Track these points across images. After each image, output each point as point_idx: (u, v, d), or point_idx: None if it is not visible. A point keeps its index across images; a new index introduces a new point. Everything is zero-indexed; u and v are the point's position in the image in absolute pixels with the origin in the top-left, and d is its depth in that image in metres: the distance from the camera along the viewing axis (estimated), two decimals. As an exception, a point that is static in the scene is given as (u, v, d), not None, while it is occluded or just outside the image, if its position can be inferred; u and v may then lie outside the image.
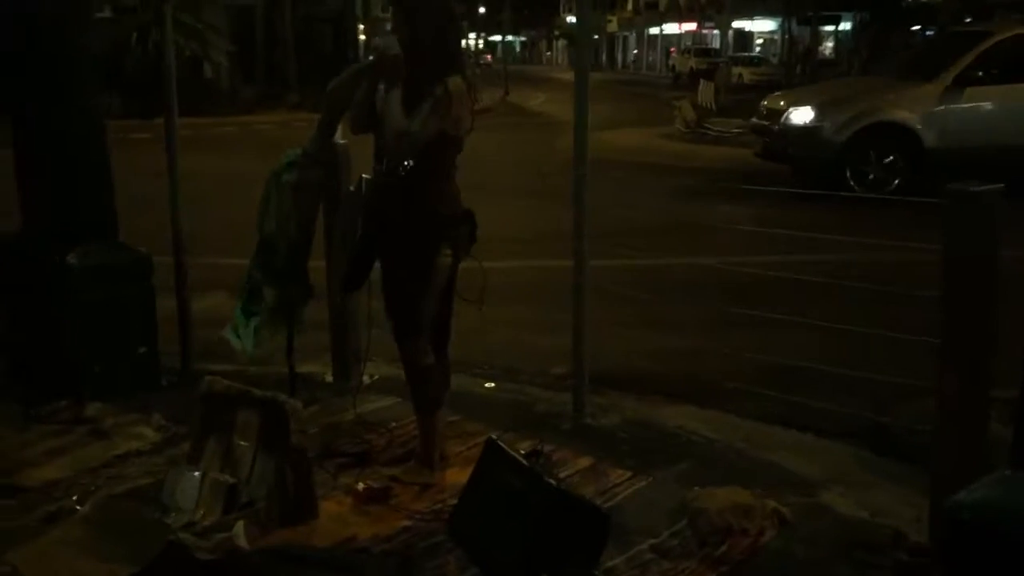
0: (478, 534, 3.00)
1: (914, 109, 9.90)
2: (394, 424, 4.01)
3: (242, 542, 2.97)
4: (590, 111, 3.96)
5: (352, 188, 3.40)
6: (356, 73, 3.35)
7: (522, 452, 3.11)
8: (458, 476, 3.39)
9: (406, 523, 3.22)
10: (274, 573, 2.78)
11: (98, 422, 3.94)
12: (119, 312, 4.17)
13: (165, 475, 3.33)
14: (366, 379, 4.49)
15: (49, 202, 4.17)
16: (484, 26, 49.81)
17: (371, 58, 3.34)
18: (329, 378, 4.60)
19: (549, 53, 79.27)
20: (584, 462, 3.70)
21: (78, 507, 3.20)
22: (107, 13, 22.58)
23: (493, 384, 4.65)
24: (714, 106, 20.74)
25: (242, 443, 3.25)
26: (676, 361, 4.83)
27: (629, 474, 3.59)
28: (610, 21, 67.18)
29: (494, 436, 3.27)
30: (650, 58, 63.58)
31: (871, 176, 9.90)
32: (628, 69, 64.99)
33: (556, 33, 72.71)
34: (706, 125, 17.57)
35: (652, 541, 3.11)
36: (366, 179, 3.39)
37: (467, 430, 3.97)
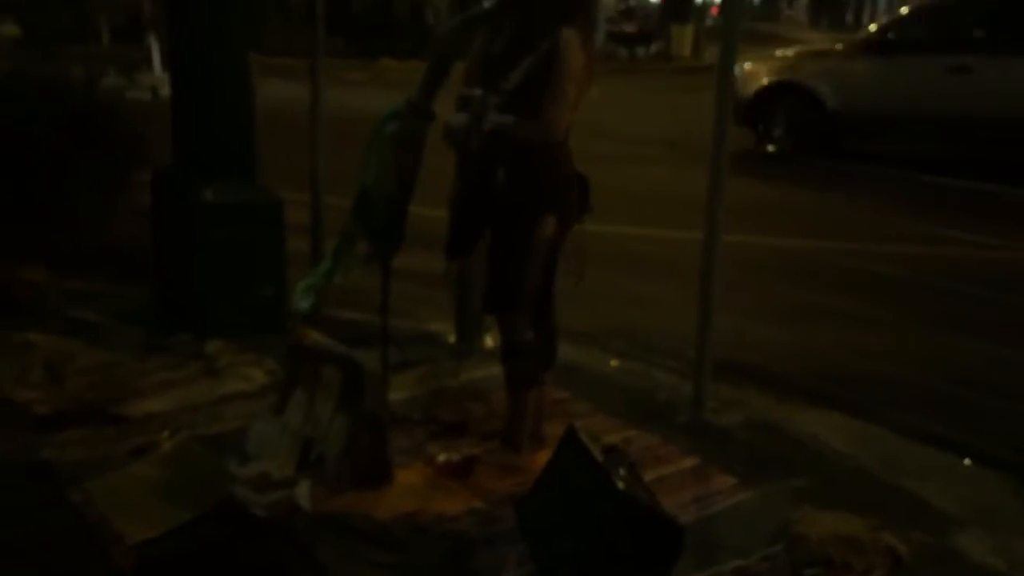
0: (542, 529, 2.78)
1: (820, 70, 9.68)
2: (502, 395, 3.82)
3: (303, 501, 2.90)
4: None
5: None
6: (469, 20, 3.13)
7: (603, 446, 2.84)
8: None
9: (478, 504, 3.04)
10: (318, 540, 2.68)
11: (213, 360, 4.00)
12: (246, 251, 4.20)
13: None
14: (489, 342, 4.35)
15: (189, 137, 4.24)
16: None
17: (487, 5, 3.11)
18: (452, 338, 4.47)
19: (790, 12, 75.61)
20: (688, 462, 3.38)
21: (166, 444, 3.23)
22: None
23: (618, 363, 4.37)
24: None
25: (323, 399, 3.17)
26: (830, 358, 4.36)
27: (735, 482, 3.25)
28: (858, -22, 63.08)
29: (575, 425, 3.02)
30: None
31: (775, 134, 9.76)
32: (873, 32, 60.78)
33: (798, -10, 69.20)
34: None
35: (738, 562, 2.78)
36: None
37: (574, 410, 3.73)
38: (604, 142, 11.16)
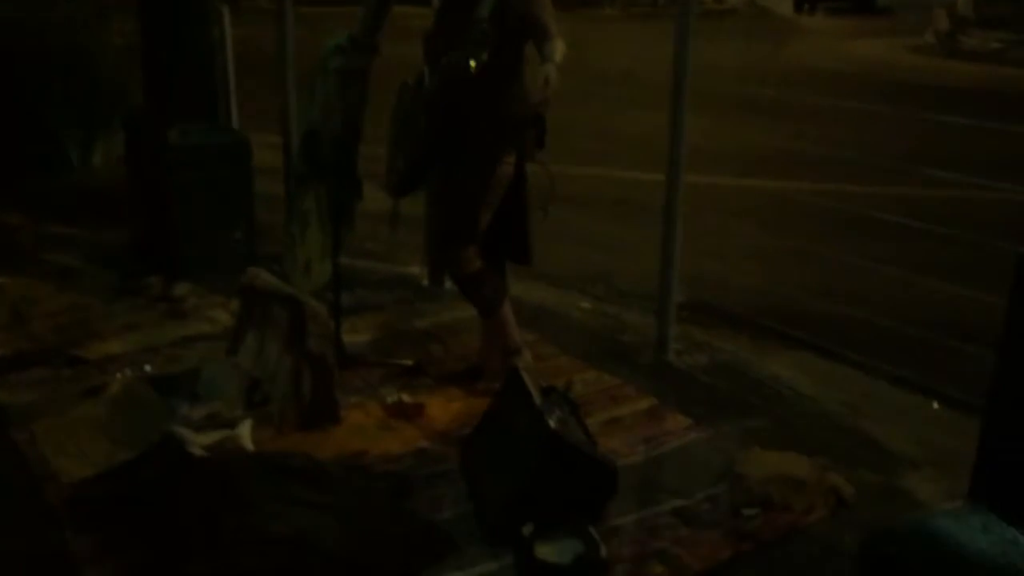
0: (481, 469, 2.77)
1: None
2: (464, 336, 3.79)
3: (245, 442, 2.89)
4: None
5: (409, 81, 3.13)
6: None
7: (543, 386, 2.81)
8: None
9: (424, 444, 3.02)
10: (254, 479, 2.66)
11: (181, 302, 4.00)
12: (214, 193, 4.18)
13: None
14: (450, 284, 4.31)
15: (155, 80, 4.21)
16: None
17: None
18: (425, 281, 4.44)
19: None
20: (644, 403, 3.34)
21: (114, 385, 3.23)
22: None
23: (590, 305, 4.32)
24: (973, 15, 18.28)
25: (272, 340, 3.15)
26: (803, 300, 4.26)
27: (689, 423, 3.20)
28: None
29: (520, 366, 3.00)
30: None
31: None
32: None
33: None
34: (961, 37, 15.64)
35: (680, 503, 2.74)
36: (427, 74, 3.10)
37: (539, 352, 3.69)
38: (609, 86, 11.02)
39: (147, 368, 3.41)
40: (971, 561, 1.16)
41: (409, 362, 3.53)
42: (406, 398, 3.24)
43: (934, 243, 4.25)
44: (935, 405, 3.48)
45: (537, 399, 2.70)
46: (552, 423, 2.56)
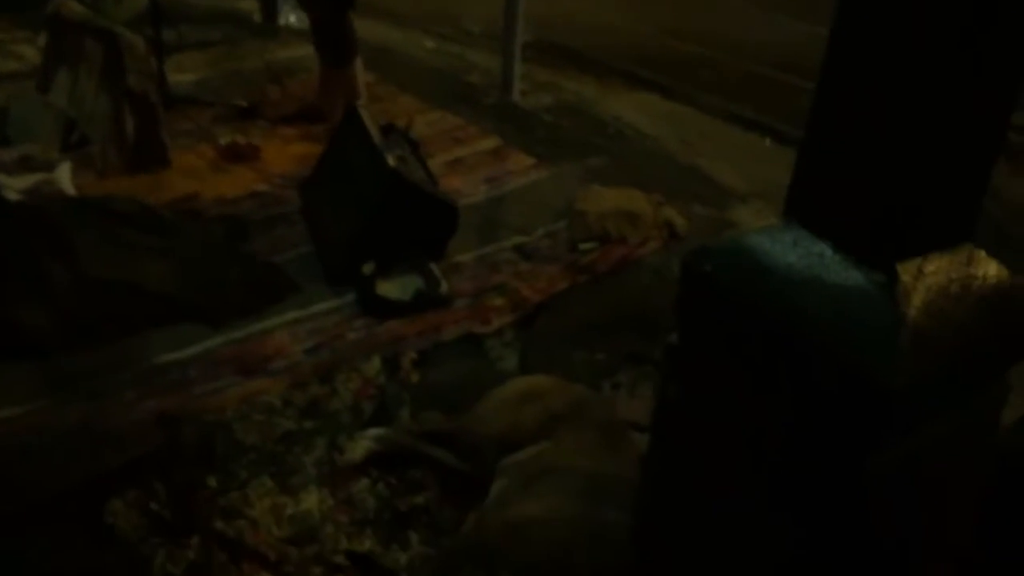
0: (321, 209, 2.72)
1: None
2: (301, 75, 3.61)
3: (65, 185, 2.73)
4: None
5: None
6: None
7: (382, 125, 2.72)
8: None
9: (261, 187, 2.93)
10: (77, 222, 2.53)
11: (-20, 37, 3.62)
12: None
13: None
14: (292, 20, 4.07)
15: None
16: None
17: None
18: (257, 17, 4.16)
19: None
20: (489, 143, 3.31)
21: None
22: None
23: (435, 45, 4.16)
24: None
25: (86, 77, 2.91)
26: (656, 41, 4.22)
27: (533, 162, 3.21)
28: None
29: (360, 104, 2.89)
30: None
31: None
32: None
33: None
34: None
35: (521, 239, 2.78)
36: None
37: (380, 93, 3.57)
38: None
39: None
40: (780, 273, 1.22)
41: (243, 103, 3.35)
42: (240, 139, 3.09)
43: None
44: (767, 142, 3.59)
45: (376, 138, 2.62)
46: (391, 161, 2.51)
